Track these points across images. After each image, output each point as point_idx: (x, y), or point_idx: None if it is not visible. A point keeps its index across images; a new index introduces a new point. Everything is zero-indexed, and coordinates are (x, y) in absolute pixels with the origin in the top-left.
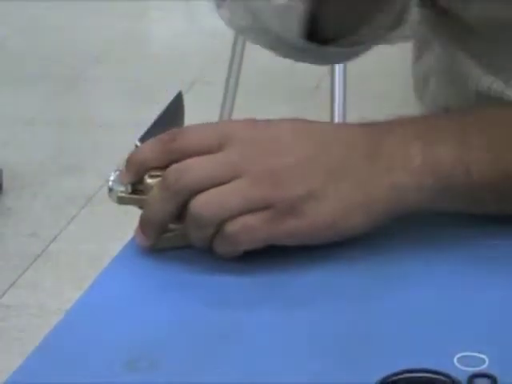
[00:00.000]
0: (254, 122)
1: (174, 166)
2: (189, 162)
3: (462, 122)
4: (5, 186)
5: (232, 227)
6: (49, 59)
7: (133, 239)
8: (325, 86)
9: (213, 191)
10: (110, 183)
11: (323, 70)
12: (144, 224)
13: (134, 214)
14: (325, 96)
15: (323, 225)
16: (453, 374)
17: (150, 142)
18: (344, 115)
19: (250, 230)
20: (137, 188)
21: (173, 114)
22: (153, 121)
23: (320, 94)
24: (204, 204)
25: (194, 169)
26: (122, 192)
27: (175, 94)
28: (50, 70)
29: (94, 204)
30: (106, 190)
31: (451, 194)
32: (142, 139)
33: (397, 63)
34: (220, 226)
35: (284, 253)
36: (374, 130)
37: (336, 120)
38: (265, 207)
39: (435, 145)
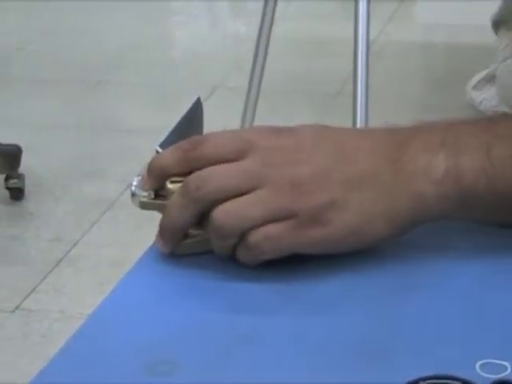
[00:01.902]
0: (275, 129)
1: (196, 174)
2: (210, 170)
3: (488, 130)
4: (27, 190)
5: (255, 237)
6: (71, 63)
7: (154, 244)
8: (347, 91)
9: (234, 201)
10: (133, 188)
11: (345, 74)
12: (163, 230)
13: (156, 218)
14: (347, 101)
15: (345, 233)
16: (475, 380)
17: (171, 149)
18: (366, 120)
19: (273, 239)
20: (159, 193)
21: (192, 119)
22: (172, 126)
23: (342, 99)
24: (226, 214)
25: (215, 177)
26: (144, 197)
27: (194, 100)
28: (73, 74)
29: (116, 209)
30: (127, 194)
31: (473, 204)
32: (162, 145)
33: (420, 67)
34: (242, 235)
35: (304, 260)
36: (397, 136)
37: (358, 125)
38: (287, 216)
39: (459, 155)
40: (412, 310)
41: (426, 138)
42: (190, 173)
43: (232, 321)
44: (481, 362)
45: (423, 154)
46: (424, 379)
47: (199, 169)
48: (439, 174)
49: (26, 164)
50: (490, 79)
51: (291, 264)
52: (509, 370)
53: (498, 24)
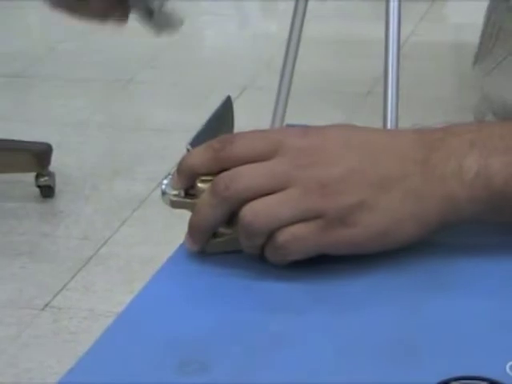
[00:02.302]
0: (305, 130)
1: (225, 173)
2: (239, 169)
3: None
4: (57, 189)
5: (282, 237)
6: (102, 62)
7: (184, 243)
8: (377, 92)
9: (263, 200)
10: (163, 187)
11: (376, 75)
12: (192, 228)
13: (186, 217)
14: (377, 101)
15: (374, 235)
16: (504, 381)
17: (201, 148)
18: (396, 121)
19: (301, 239)
20: (189, 192)
21: (222, 118)
22: (202, 125)
23: (372, 99)
24: (254, 214)
25: (245, 177)
26: (174, 196)
27: (224, 99)
28: (104, 74)
29: (146, 207)
30: (157, 193)
31: (503, 206)
32: (193, 143)
33: (451, 68)
34: (271, 235)
35: (333, 260)
36: (427, 137)
37: (388, 126)
38: (315, 217)
39: (489, 157)
40: (441, 309)
41: (456, 140)
42: (219, 172)
43: (261, 320)
44: (511, 363)
45: (453, 156)
46: (454, 379)
47: (229, 168)
48: (470, 177)
49: (57, 162)
50: None
51: (320, 263)
52: None
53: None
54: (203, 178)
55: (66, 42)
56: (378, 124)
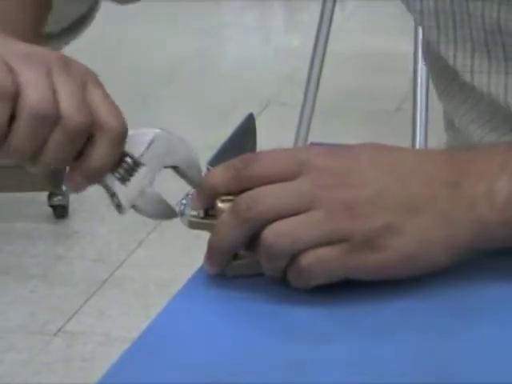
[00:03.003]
0: (330, 149)
1: (247, 193)
2: (262, 189)
3: None
4: (71, 208)
5: (306, 260)
6: (120, 76)
7: (202, 266)
8: (406, 108)
9: (286, 222)
10: (182, 207)
11: (405, 91)
12: (212, 250)
13: (205, 238)
14: (406, 119)
15: (402, 260)
16: None
17: (222, 167)
18: (426, 140)
19: (325, 263)
20: (209, 213)
21: (244, 136)
22: (223, 143)
23: (401, 116)
24: (277, 235)
25: (267, 197)
26: (193, 216)
27: (246, 116)
28: (122, 88)
29: (163, 228)
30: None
31: None
32: (212, 162)
33: None
34: (294, 258)
35: (359, 285)
36: (457, 159)
37: (417, 145)
38: (340, 240)
39: None
40: (473, 336)
41: (486, 162)
42: (241, 192)
43: (284, 347)
44: None
45: (483, 179)
46: None
47: (250, 188)
48: (501, 201)
49: None
50: None
51: (345, 288)
52: None
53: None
54: (224, 197)
55: (84, 53)
56: (407, 143)
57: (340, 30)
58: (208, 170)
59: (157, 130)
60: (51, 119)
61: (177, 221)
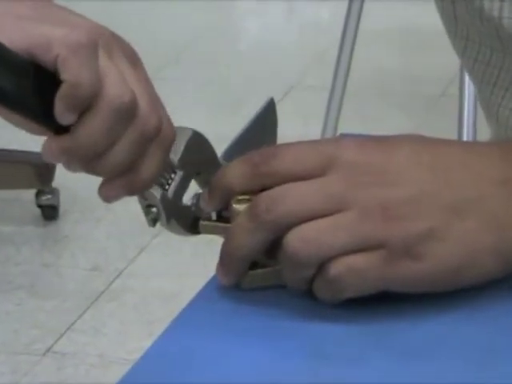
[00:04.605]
0: (364, 141)
1: (267, 192)
2: (284, 188)
3: None
4: (62, 209)
5: (336, 269)
6: None
7: (215, 276)
8: (453, 94)
9: (312, 225)
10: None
11: (451, 74)
12: (226, 258)
13: (217, 244)
14: (452, 105)
15: (445, 269)
16: None
17: (238, 162)
18: (474, 129)
19: (358, 272)
20: (223, 215)
21: (262, 125)
22: (238, 133)
23: (446, 102)
24: (302, 241)
25: (290, 197)
26: (205, 219)
27: (266, 101)
28: None
29: (169, 233)
30: None
31: None
32: (226, 156)
33: None
34: (321, 266)
35: (395, 298)
36: (510, 152)
37: (465, 136)
38: (375, 246)
39: None
40: None
41: None
42: (259, 191)
43: (309, 371)
44: None
45: None
46: None
47: (271, 187)
48: None
49: (61, 177)
50: None
51: (380, 302)
52: None
53: None
54: (240, 197)
55: None
56: (453, 133)
57: (375, 1)
58: (222, 164)
59: (190, 129)
60: (130, 115)
61: None
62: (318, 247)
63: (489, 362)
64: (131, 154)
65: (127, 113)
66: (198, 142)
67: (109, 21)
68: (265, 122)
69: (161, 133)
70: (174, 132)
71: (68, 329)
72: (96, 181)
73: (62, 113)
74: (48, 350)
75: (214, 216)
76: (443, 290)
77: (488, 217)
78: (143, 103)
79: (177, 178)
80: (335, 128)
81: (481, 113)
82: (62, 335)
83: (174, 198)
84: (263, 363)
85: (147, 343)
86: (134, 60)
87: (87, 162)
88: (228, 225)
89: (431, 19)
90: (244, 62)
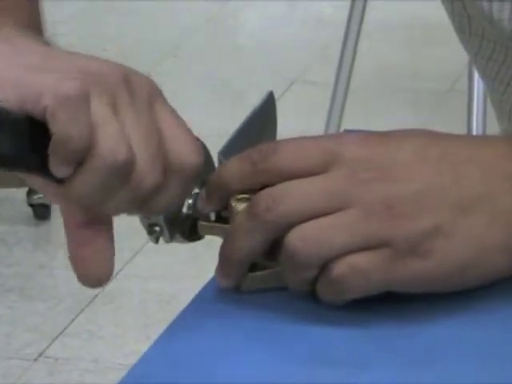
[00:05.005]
0: (367, 137)
1: (267, 190)
2: (285, 185)
3: None
4: (54, 208)
5: (339, 269)
6: (119, 50)
7: (214, 278)
8: (461, 89)
9: (314, 224)
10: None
11: (459, 69)
12: (224, 259)
13: (216, 245)
14: (459, 101)
15: (452, 268)
16: None
17: (236, 159)
18: (484, 125)
19: (362, 272)
20: (221, 214)
21: (262, 120)
22: (236, 129)
23: (454, 98)
24: (303, 240)
25: (291, 195)
26: (203, 220)
27: (265, 95)
28: (120, 62)
29: None
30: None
31: None
32: (225, 153)
33: None
34: (324, 267)
35: (402, 300)
36: None
37: (474, 131)
38: (380, 245)
39: None
40: None
41: None
42: (259, 189)
43: (313, 375)
44: None
45: None
46: None
47: (271, 185)
48: None
49: None
50: None
51: (383, 303)
52: None
53: None
54: (239, 196)
55: (72, 26)
56: (460, 130)
57: None
58: (219, 162)
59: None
60: (125, 173)
61: None
62: (319, 247)
63: (498, 368)
64: (129, 207)
65: (121, 170)
66: (204, 151)
67: (107, 16)
68: (264, 117)
69: (179, 166)
70: (199, 159)
71: (61, 332)
72: None
73: (56, 166)
74: (40, 354)
75: (212, 216)
76: (450, 290)
77: (497, 213)
78: (142, 159)
79: None
80: (339, 125)
81: (490, 108)
82: (55, 339)
83: (176, 209)
84: (263, 367)
85: (144, 347)
86: (151, 100)
87: (85, 209)
88: (226, 225)
89: (437, 13)
90: (245, 56)
